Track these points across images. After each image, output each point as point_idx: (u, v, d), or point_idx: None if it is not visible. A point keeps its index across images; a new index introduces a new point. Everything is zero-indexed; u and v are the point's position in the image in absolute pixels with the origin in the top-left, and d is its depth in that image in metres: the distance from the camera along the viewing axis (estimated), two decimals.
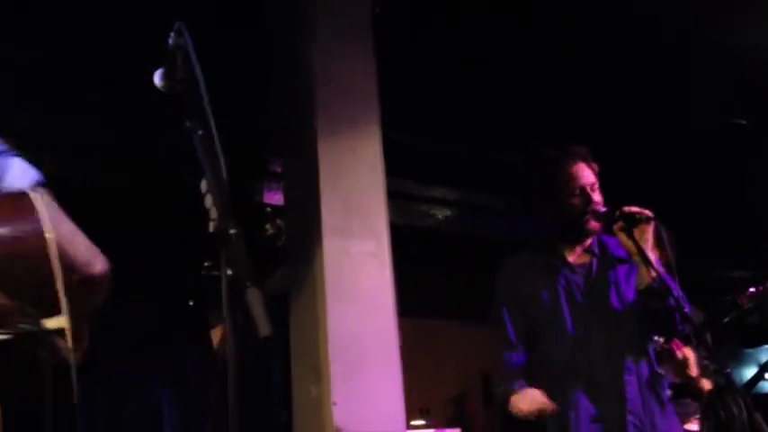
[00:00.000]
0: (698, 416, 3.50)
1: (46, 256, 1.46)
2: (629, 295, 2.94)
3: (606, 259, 2.99)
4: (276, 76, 3.89)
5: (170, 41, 1.54)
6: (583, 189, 2.91)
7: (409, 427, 4.31)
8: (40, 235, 1.47)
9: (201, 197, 1.40)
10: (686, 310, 2.71)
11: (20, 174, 1.71)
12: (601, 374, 2.87)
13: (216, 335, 4.76)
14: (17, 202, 1.53)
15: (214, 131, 1.42)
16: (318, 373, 3.35)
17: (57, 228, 1.54)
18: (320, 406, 3.32)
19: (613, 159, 3.18)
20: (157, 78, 1.58)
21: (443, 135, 5.01)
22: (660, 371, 3.00)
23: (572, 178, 2.93)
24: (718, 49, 4.55)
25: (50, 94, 3.96)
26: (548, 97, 4.72)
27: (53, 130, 4.09)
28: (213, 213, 1.37)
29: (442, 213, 5.36)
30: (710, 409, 3.33)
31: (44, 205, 1.53)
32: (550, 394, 2.85)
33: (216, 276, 1.39)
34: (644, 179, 4.85)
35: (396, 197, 4.59)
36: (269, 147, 4.37)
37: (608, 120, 4.89)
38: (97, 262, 1.74)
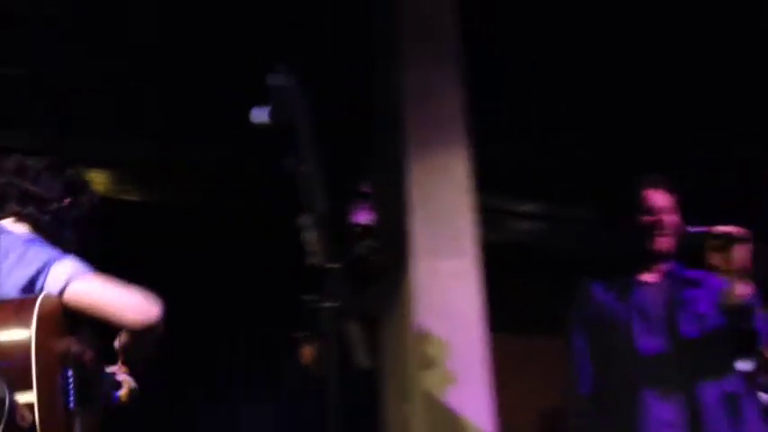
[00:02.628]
0: None
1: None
2: (704, 314, 2.93)
3: (680, 279, 3.01)
4: (370, 97, 3.97)
5: (274, 80, 1.60)
6: (653, 210, 2.97)
7: None
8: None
9: (303, 231, 1.46)
10: None
11: (55, 277, 2.05)
12: (675, 392, 2.87)
13: (307, 354, 4.85)
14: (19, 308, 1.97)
15: (317, 168, 1.47)
16: (408, 392, 3.39)
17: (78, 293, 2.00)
18: (411, 425, 3.36)
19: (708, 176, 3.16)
20: (259, 115, 1.65)
21: (534, 149, 5.00)
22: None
23: (646, 200, 3.00)
24: None
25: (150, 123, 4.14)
26: (640, 112, 4.67)
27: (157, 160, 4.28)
28: (315, 247, 1.43)
29: (532, 227, 5.34)
30: None
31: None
32: (621, 415, 2.88)
33: (317, 308, 1.44)
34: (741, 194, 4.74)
35: (486, 212, 4.61)
36: (358, 166, 4.45)
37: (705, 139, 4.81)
38: (129, 311, 2.00)
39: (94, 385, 2.19)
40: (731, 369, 2.93)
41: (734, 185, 4.97)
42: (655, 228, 2.98)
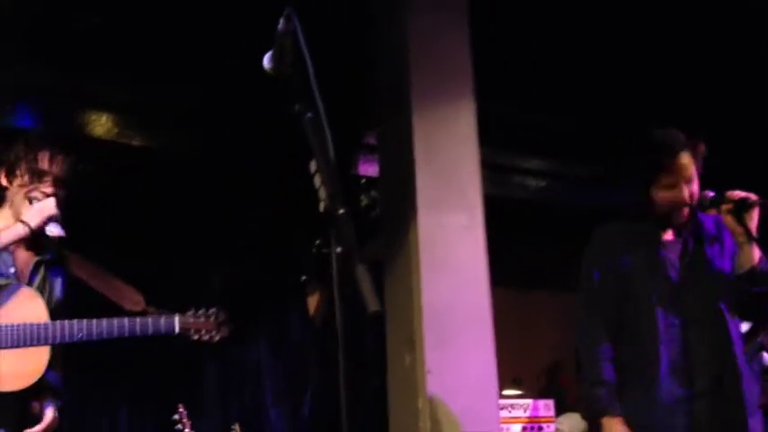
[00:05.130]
0: None
1: None
2: (726, 271, 2.93)
3: (700, 236, 2.99)
4: (373, 48, 3.94)
5: (279, 26, 1.60)
6: (683, 182, 2.92)
7: (502, 396, 4.35)
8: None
9: (311, 177, 1.47)
10: None
11: None
12: (698, 353, 2.86)
13: (311, 302, 4.90)
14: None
15: (323, 114, 1.47)
16: (412, 342, 3.42)
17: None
18: (414, 374, 3.39)
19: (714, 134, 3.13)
20: (266, 62, 1.64)
21: (538, 106, 4.97)
22: None
23: (674, 170, 2.92)
24: None
25: (158, 67, 4.12)
26: (646, 67, 4.62)
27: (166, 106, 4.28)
28: (322, 193, 1.43)
29: (536, 184, 5.34)
30: None
31: None
32: (634, 373, 2.88)
33: (325, 253, 1.46)
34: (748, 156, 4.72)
35: (490, 168, 4.60)
36: (364, 118, 4.43)
37: (707, 88, 4.76)
38: None
39: None
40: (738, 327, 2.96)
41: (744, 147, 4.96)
42: (681, 202, 2.91)
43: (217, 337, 2.79)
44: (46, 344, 2.64)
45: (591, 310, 3.02)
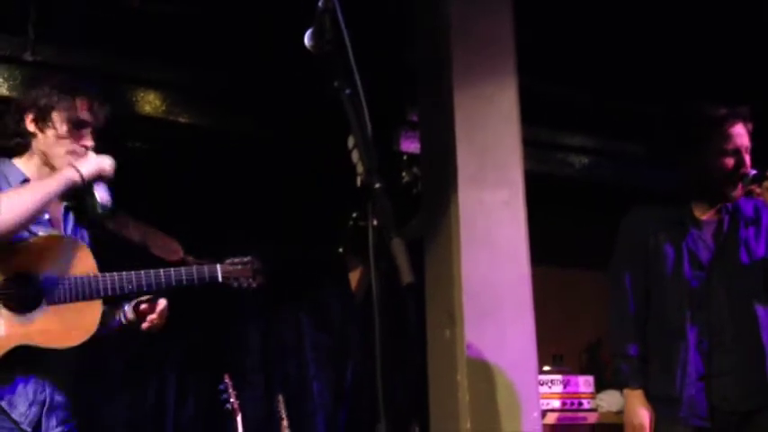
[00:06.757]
0: None
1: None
2: (759, 254, 2.92)
3: (737, 218, 2.98)
4: (416, 24, 3.95)
5: (319, 3, 1.64)
6: (738, 151, 2.90)
7: (542, 372, 4.37)
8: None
9: (349, 152, 1.51)
10: None
11: None
12: (724, 332, 2.88)
13: (354, 277, 4.95)
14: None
15: (361, 91, 1.51)
16: (452, 316, 3.45)
17: None
18: (454, 348, 3.43)
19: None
20: (307, 39, 1.69)
21: (581, 82, 4.94)
22: None
23: (730, 138, 2.92)
24: None
25: (205, 49, 4.19)
26: (692, 44, 4.56)
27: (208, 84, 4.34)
28: (360, 168, 1.47)
29: (579, 161, 5.31)
30: None
31: None
32: (661, 350, 2.93)
33: (362, 226, 1.50)
34: None
35: (532, 145, 4.59)
36: (406, 95, 4.45)
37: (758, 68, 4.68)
38: None
39: None
40: None
41: None
42: (737, 171, 2.90)
43: (254, 284, 2.80)
44: (98, 297, 2.54)
45: (616, 273, 3.07)
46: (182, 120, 4.28)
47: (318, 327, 4.85)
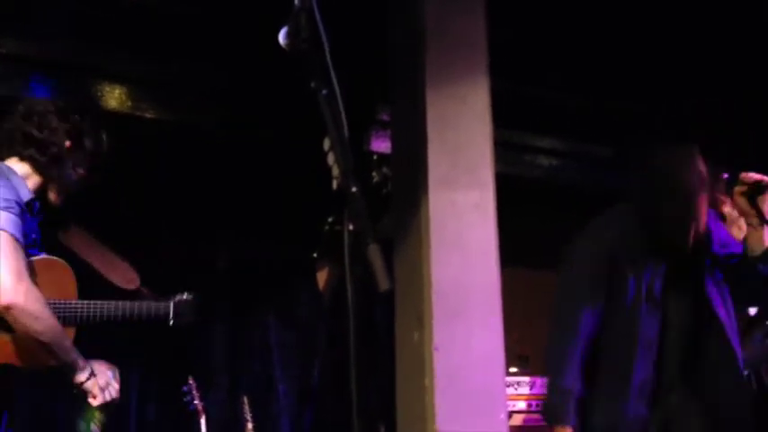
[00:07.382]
0: None
1: None
2: (716, 275, 2.93)
3: (705, 246, 2.98)
4: (387, 23, 3.91)
5: (296, 1, 1.59)
6: (690, 192, 2.92)
7: (508, 374, 4.37)
8: None
9: (325, 154, 1.47)
10: None
11: None
12: (673, 368, 2.88)
13: (321, 278, 4.91)
14: None
15: (337, 91, 1.47)
16: (421, 319, 3.42)
17: None
18: (422, 350, 3.40)
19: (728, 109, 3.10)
20: (282, 37, 1.64)
21: (553, 84, 4.94)
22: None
23: (680, 184, 2.92)
24: None
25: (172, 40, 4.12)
26: (660, 45, 4.58)
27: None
28: (335, 171, 1.43)
29: (548, 163, 5.32)
30: None
31: None
32: (605, 381, 2.94)
33: (338, 231, 1.46)
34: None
35: (503, 146, 4.58)
36: (377, 93, 4.42)
37: (721, 66, 4.71)
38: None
39: None
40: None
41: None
42: (689, 215, 2.88)
43: (192, 321, 2.88)
44: (73, 324, 2.68)
45: (570, 302, 3.00)
46: (148, 115, 4.21)
47: (286, 326, 4.81)
